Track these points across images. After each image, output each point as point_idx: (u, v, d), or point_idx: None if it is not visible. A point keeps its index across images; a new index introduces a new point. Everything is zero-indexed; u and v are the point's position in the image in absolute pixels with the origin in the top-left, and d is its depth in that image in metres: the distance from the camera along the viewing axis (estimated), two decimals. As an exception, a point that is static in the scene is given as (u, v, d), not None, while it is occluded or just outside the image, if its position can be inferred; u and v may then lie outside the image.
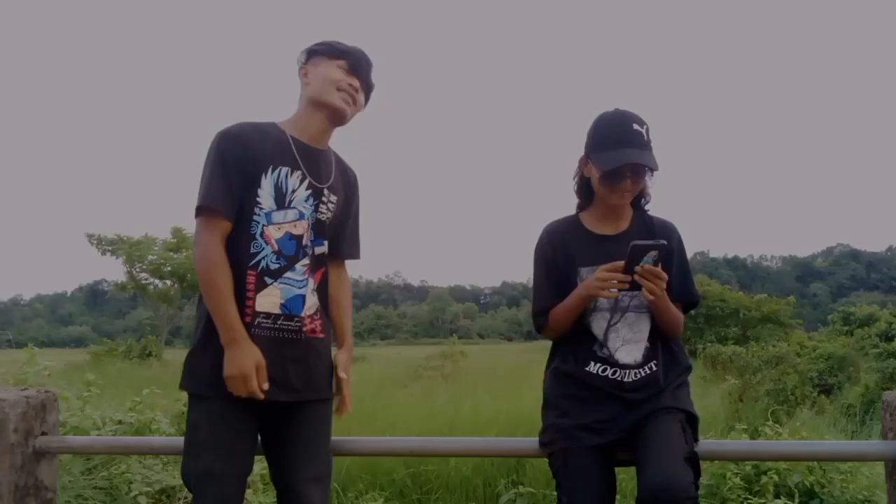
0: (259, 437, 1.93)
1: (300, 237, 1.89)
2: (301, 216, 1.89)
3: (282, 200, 1.88)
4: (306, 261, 1.90)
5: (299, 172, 1.91)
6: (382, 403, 7.92)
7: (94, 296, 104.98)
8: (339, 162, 2.06)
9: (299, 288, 1.87)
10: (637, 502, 1.65)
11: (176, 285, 29.79)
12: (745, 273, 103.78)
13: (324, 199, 1.94)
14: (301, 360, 1.87)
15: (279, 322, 1.84)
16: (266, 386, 1.77)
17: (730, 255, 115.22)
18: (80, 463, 3.53)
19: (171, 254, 28.95)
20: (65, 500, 3.26)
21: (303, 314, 1.87)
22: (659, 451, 1.70)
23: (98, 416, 3.99)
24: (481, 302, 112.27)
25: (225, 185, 1.82)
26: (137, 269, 29.40)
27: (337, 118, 1.98)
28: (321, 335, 1.94)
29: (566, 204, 2.15)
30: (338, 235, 2.03)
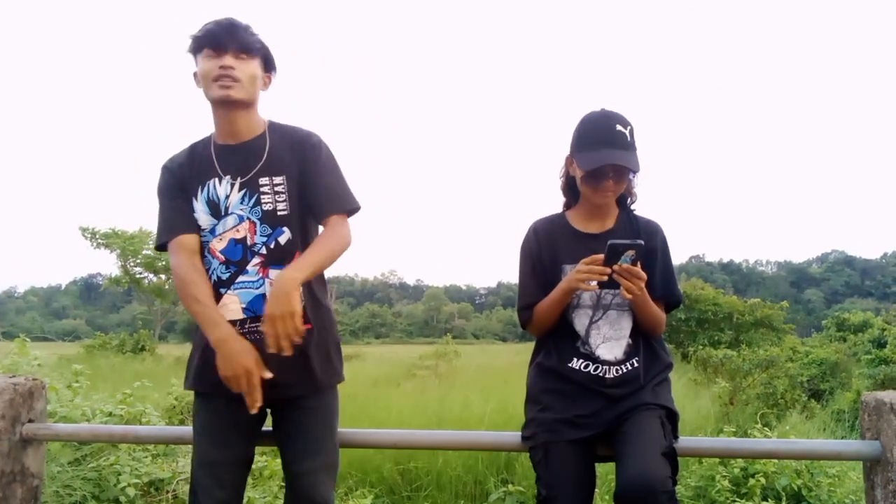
0: (272, 429, 2.00)
1: (243, 239, 1.89)
2: (241, 219, 1.89)
3: (217, 211, 1.91)
4: (256, 260, 1.89)
5: (227, 178, 1.91)
6: (374, 401, 7.95)
7: (88, 289, 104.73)
8: (283, 136, 1.96)
9: (256, 288, 1.88)
10: (615, 495, 1.68)
11: (170, 280, 29.77)
12: (739, 278, 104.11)
13: (263, 188, 1.89)
14: (283, 359, 1.77)
15: (247, 326, 1.86)
16: (268, 374, 1.76)
17: (725, 260, 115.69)
18: (68, 453, 3.53)
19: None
20: (52, 490, 3.27)
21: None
22: (638, 446, 1.73)
23: (88, 407, 3.99)
24: (476, 302, 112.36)
25: (170, 210, 1.94)
26: (132, 264, 29.37)
27: (229, 106, 1.88)
28: (308, 325, 1.89)
29: (560, 204, 2.18)
30: (313, 197, 1.92)
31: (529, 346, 2.17)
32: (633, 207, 2.09)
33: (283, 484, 2.06)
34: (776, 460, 4.85)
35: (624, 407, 1.86)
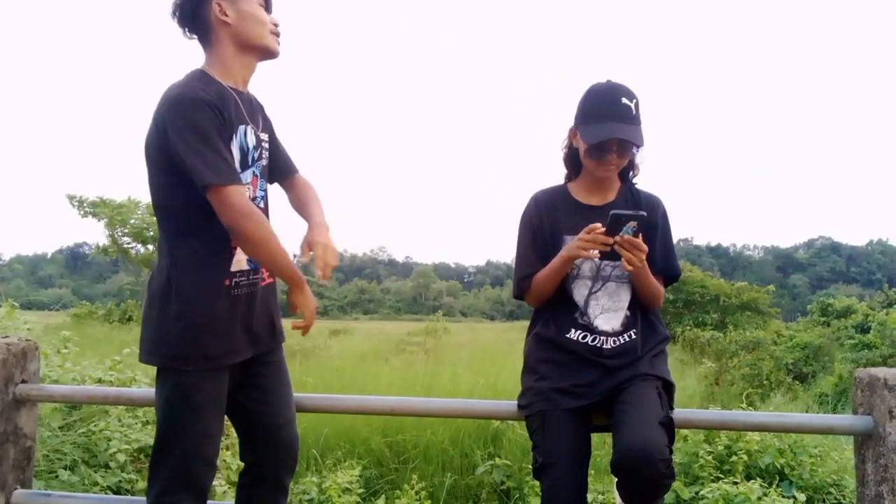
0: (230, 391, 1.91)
1: (250, 192, 1.87)
2: (254, 174, 1.88)
3: (245, 161, 1.85)
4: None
5: (251, 127, 1.87)
6: (362, 375, 7.98)
7: (74, 258, 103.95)
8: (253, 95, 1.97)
9: None
10: (612, 463, 1.69)
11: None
12: (727, 261, 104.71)
13: (263, 144, 1.93)
14: (266, 309, 1.91)
15: (251, 277, 1.87)
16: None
17: (713, 244, 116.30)
18: (58, 417, 3.53)
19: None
20: (43, 453, 3.27)
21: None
22: (635, 415, 1.74)
23: (78, 372, 3.98)
24: (465, 280, 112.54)
25: (225, 150, 1.72)
26: (119, 233, 29.11)
27: (266, 58, 1.90)
28: (271, 279, 1.95)
29: (553, 177, 2.17)
30: (280, 159, 2.02)
31: (517, 325, 2.19)
32: (634, 181, 2.08)
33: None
34: (759, 439, 4.91)
35: (621, 377, 1.87)
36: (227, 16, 1.81)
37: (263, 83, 2.08)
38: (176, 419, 1.78)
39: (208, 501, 1.85)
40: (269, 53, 1.89)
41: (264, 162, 1.93)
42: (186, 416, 1.78)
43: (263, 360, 1.93)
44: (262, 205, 1.91)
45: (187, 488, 1.78)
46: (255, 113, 1.91)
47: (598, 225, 1.82)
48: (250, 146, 1.85)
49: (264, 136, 1.93)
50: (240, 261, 1.83)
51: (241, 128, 1.82)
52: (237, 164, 1.79)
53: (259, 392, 1.93)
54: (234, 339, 1.81)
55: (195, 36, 1.86)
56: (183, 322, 1.74)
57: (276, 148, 2.01)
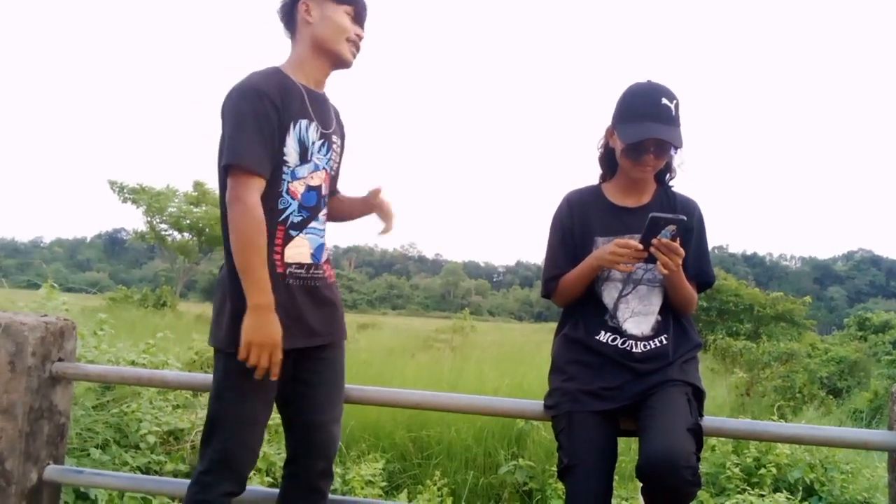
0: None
1: (318, 188, 1.93)
2: (317, 168, 1.92)
3: (305, 154, 1.90)
4: (324, 210, 1.96)
5: (315, 123, 1.92)
6: (389, 369, 8.02)
7: (112, 243, 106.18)
8: (331, 101, 2.06)
9: (321, 237, 1.96)
10: (637, 469, 1.67)
11: (194, 238, 30.07)
12: (762, 271, 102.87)
13: (333, 146, 1.98)
14: (329, 304, 1.96)
15: (311, 271, 1.91)
16: (277, 369, 1.76)
17: (749, 252, 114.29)
18: (92, 397, 3.61)
19: (192, 207, 29.16)
20: (76, 431, 3.35)
21: (322, 261, 1.95)
22: (663, 421, 1.71)
23: (112, 354, 4.07)
24: (494, 280, 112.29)
25: (262, 145, 1.77)
26: (157, 220, 29.67)
27: (339, 67, 1.97)
28: (334, 279, 2.02)
29: (588, 177, 2.15)
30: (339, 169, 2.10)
31: (546, 327, 2.17)
32: (671, 184, 2.05)
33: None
34: (789, 453, 4.82)
35: (651, 382, 1.84)
36: (310, 16, 1.90)
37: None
38: (222, 402, 1.84)
39: (247, 487, 1.89)
40: (340, 61, 1.94)
41: (333, 164, 2.00)
42: (232, 400, 1.83)
43: (316, 355, 1.94)
44: (326, 203, 1.96)
45: (227, 470, 1.83)
46: (327, 114, 1.96)
47: (632, 241, 1.80)
48: (312, 141, 1.89)
49: (337, 140, 1.99)
50: (300, 254, 1.88)
51: (304, 122, 1.87)
52: (296, 156, 1.85)
53: (304, 386, 1.94)
54: (283, 328, 1.79)
55: (290, 33, 1.97)
56: (234, 307, 1.79)
57: (342, 156, 2.09)
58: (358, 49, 1.95)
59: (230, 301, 1.81)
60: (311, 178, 1.91)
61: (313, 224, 1.92)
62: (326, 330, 1.94)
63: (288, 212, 1.87)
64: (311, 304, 1.90)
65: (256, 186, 1.77)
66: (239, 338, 1.74)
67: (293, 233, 1.88)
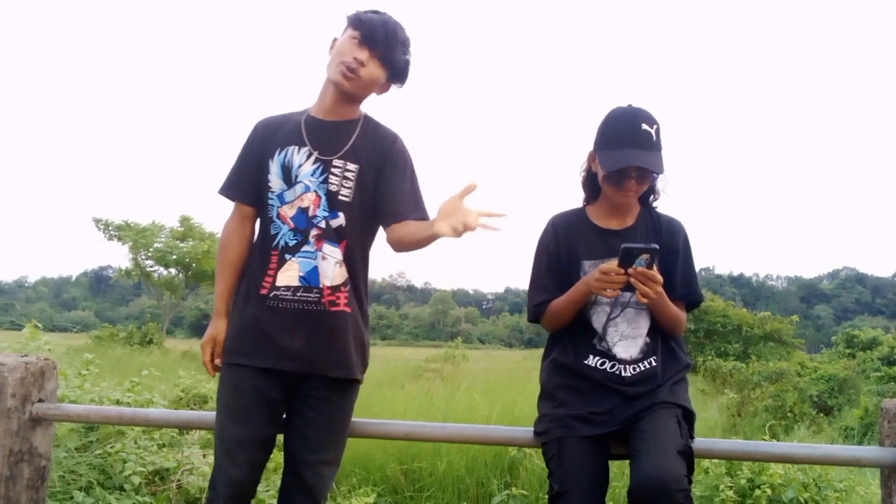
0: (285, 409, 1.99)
1: (307, 209, 1.93)
2: (307, 189, 1.93)
3: (289, 178, 1.95)
4: (315, 232, 1.93)
5: (306, 148, 1.95)
6: (378, 401, 7.93)
7: (98, 281, 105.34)
8: (371, 128, 2.01)
9: (313, 259, 1.92)
10: (629, 492, 1.65)
11: (181, 274, 29.87)
12: (749, 291, 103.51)
13: (334, 170, 1.94)
14: (321, 331, 1.89)
15: (299, 294, 1.90)
16: (218, 361, 1.97)
17: (735, 273, 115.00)
18: (74, 438, 3.54)
19: (178, 242, 29.01)
20: (58, 474, 3.27)
21: (321, 285, 1.90)
22: (654, 444, 1.70)
23: (96, 393, 4.00)
24: (483, 307, 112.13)
25: (238, 172, 2.05)
26: (143, 257, 29.47)
27: (341, 91, 1.94)
28: (346, 309, 1.91)
29: (572, 200, 2.16)
30: (385, 198, 1.95)
31: (536, 353, 2.16)
32: (655, 205, 2.06)
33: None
34: (783, 472, 4.79)
35: (640, 405, 1.83)
36: (332, 49, 1.98)
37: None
38: (217, 417, 1.95)
39: None
40: (335, 85, 1.94)
41: (332, 187, 1.92)
42: (219, 416, 1.93)
43: (313, 393, 1.91)
44: (322, 224, 1.92)
45: (221, 492, 1.86)
46: (331, 141, 1.95)
47: (614, 265, 1.80)
48: (298, 164, 1.94)
49: (339, 164, 1.93)
50: (289, 277, 1.91)
51: (291, 148, 1.96)
52: (280, 181, 1.96)
53: (301, 420, 1.92)
54: (255, 345, 1.89)
55: None
56: (230, 321, 1.99)
57: (373, 184, 1.95)
58: (354, 71, 1.89)
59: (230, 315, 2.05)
60: (302, 199, 1.93)
61: (305, 248, 1.91)
62: (309, 357, 1.88)
63: (280, 236, 1.94)
64: (291, 329, 1.87)
65: (235, 208, 2.07)
66: (227, 347, 1.97)
67: (287, 256, 1.92)
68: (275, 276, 1.91)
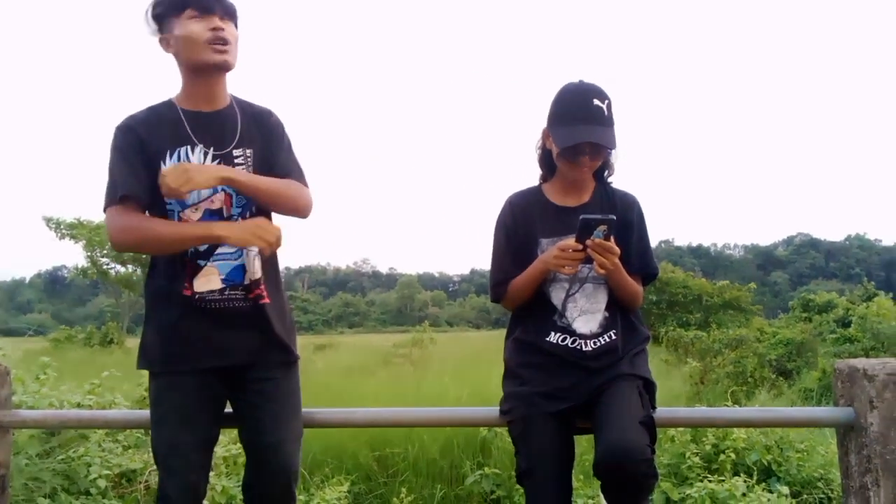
0: (230, 407, 1.96)
1: (219, 210, 1.86)
2: (214, 190, 1.85)
3: None
4: None
5: (199, 147, 1.86)
6: (349, 389, 7.92)
7: (53, 282, 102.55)
8: (245, 108, 1.96)
9: (235, 259, 1.87)
10: (594, 465, 1.68)
11: (138, 270, 29.28)
12: (708, 261, 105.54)
13: (236, 160, 1.89)
14: (255, 323, 1.88)
15: (226, 293, 1.86)
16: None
17: (694, 244, 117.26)
18: (35, 445, 3.45)
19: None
20: (21, 483, 3.19)
21: (247, 281, 1.87)
22: (616, 416, 1.73)
23: (55, 397, 3.91)
24: (450, 289, 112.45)
25: (131, 174, 1.81)
26: (98, 254, 28.80)
27: (217, 74, 1.88)
28: (270, 300, 1.91)
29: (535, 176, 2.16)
30: (278, 173, 1.93)
31: (503, 333, 2.17)
32: (610, 180, 2.08)
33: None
34: (745, 437, 4.94)
35: (602, 378, 1.86)
36: (170, 46, 1.86)
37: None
38: (152, 425, 1.88)
39: None
40: (211, 67, 1.85)
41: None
42: (154, 423, 1.88)
43: (257, 376, 1.89)
44: (239, 221, 1.87)
45: (178, 500, 1.82)
46: (221, 133, 1.89)
47: (571, 242, 1.82)
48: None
49: (242, 153, 1.89)
50: (210, 282, 1.84)
51: (184, 149, 1.85)
52: None
53: (250, 409, 1.90)
54: (192, 347, 1.84)
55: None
56: (151, 327, 1.90)
57: (263, 164, 1.93)
58: (223, 41, 1.82)
59: (148, 321, 1.91)
60: (212, 201, 1.85)
61: (221, 249, 1.85)
62: (248, 348, 1.88)
63: None
64: (225, 325, 1.85)
65: (127, 210, 1.81)
66: (154, 356, 1.88)
67: (201, 262, 1.85)
68: (191, 283, 1.83)
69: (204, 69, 1.85)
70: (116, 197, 1.80)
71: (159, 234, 1.78)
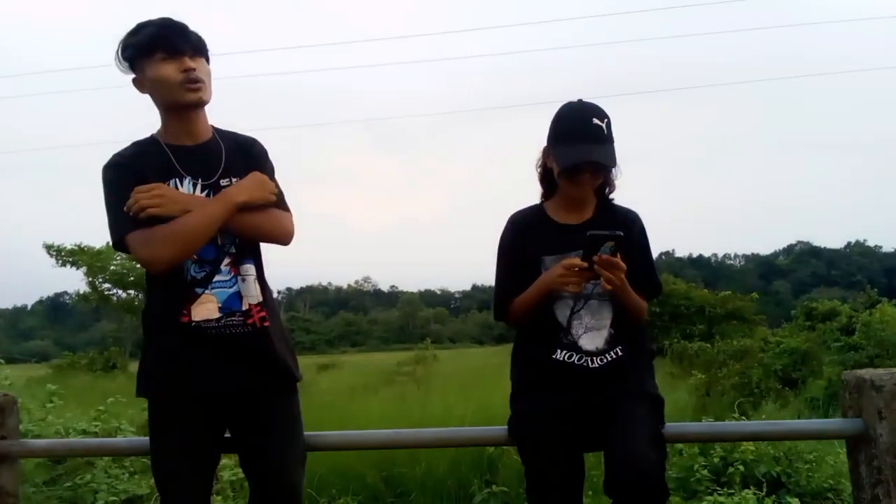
0: (230, 434, 1.95)
1: (213, 240, 1.86)
2: None
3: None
4: (227, 259, 1.89)
5: (188, 179, 1.88)
6: (352, 410, 7.89)
7: (55, 309, 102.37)
8: (228, 138, 1.99)
9: (230, 287, 1.88)
10: (606, 484, 1.68)
11: (140, 295, 29.23)
12: (709, 272, 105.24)
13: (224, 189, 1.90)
14: (255, 349, 1.88)
15: (223, 321, 1.85)
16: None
17: (694, 255, 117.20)
18: (42, 473, 3.45)
19: (134, 263, 28.33)
20: (28, 511, 3.19)
21: (244, 307, 1.87)
22: (626, 434, 1.73)
23: (61, 425, 3.91)
24: (452, 306, 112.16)
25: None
26: (100, 280, 28.77)
27: (194, 110, 1.90)
28: (269, 324, 1.91)
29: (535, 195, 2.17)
30: None
31: (507, 349, 2.17)
32: (611, 197, 2.10)
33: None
34: (754, 449, 4.91)
35: (610, 396, 1.86)
36: (144, 87, 1.89)
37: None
38: (151, 452, 1.89)
39: None
40: (187, 107, 1.88)
41: None
42: (154, 450, 1.89)
43: (264, 398, 1.90)
44: (233, 250, 1.89)
45: None
46: (207, 163, 1.91)
47: (576, 260, 1.83)
48: None
49: (226, 182, 1.90)
50: (207, 310, 1.83)
51: (172, 181, 1.86)
52: None
53: (250, 435, 1.90)
54: (191, 374, 1.84)
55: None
56: (149, 355, 1.91)
57: None
58: (194, 81, 1.83)
59: (145, 348, 1.93)
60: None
61: (218, 277, 1.86)
62: (249, 374, 1.87)
63: (185, 270, 1.85)
64: (224, 352, 1.85)
65: (138, 235, 1.82)
66: (145, 385, 1.88)
67: (198, 290, 1.85)
68: (189, 311, 1.83)
69: (180, 109, 1.88)
70: (132, 223, 1.78)
71: (191, 228, 1.78)
